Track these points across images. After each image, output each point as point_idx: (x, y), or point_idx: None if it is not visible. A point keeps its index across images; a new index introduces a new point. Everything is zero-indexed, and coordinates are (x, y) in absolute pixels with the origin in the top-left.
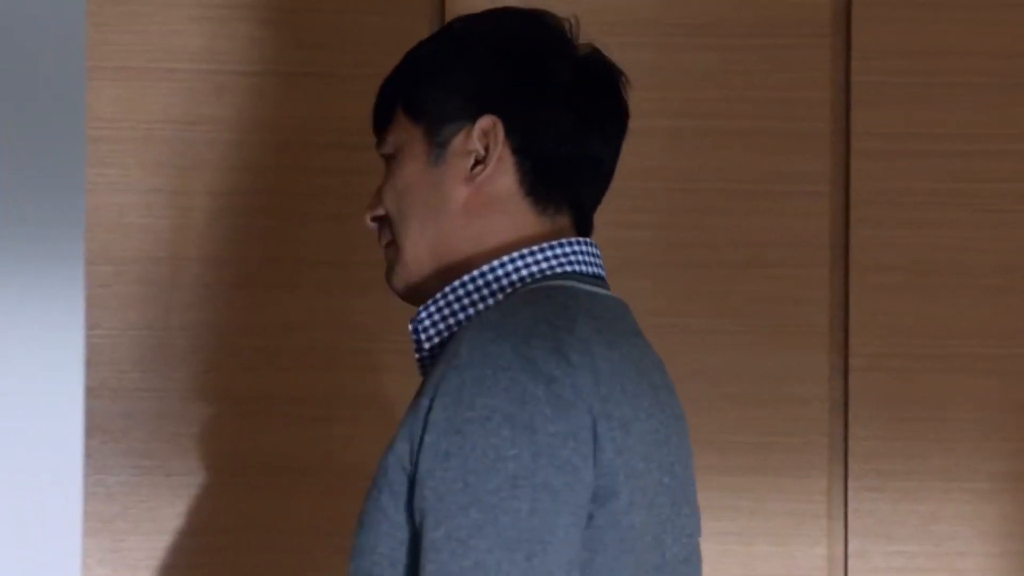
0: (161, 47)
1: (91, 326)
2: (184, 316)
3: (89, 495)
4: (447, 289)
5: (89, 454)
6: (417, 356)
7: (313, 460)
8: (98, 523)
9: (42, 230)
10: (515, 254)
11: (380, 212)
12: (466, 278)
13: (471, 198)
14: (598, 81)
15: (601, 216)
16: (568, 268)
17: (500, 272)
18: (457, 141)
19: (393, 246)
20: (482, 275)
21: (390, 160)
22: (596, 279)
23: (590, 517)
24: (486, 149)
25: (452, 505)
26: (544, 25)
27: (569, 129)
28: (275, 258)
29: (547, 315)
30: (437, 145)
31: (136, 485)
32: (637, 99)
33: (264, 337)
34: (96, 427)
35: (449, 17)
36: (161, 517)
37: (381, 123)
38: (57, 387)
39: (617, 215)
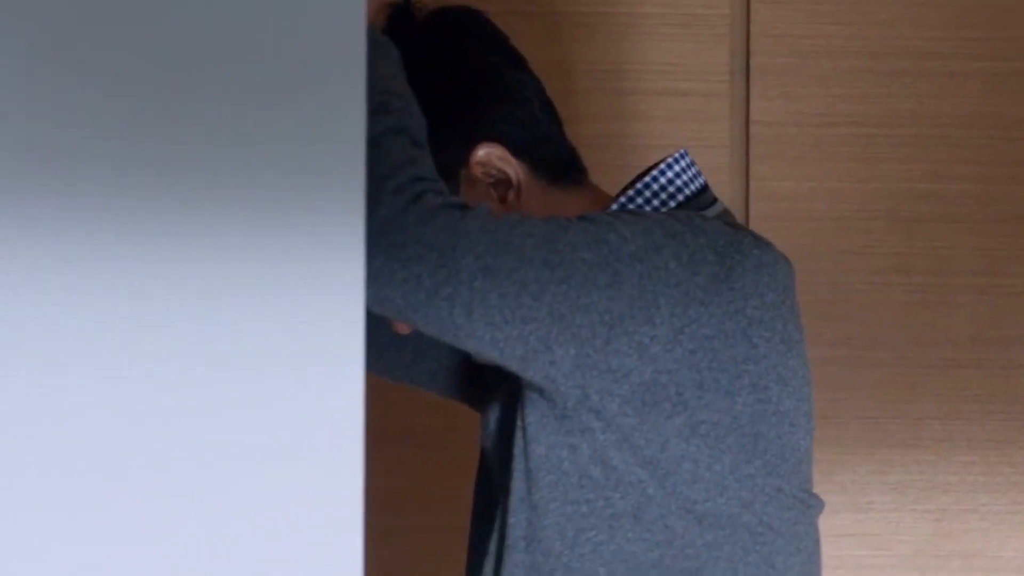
0: None
1: None
2: None
3: (370, 543)
4: None
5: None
6: None
7: None
8: None
9: (322, 237)
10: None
11: None
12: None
13: None
14: (487, 33)
15: (915, 166)
16: (680, 197)
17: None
18: (464, 190)
19: None
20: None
21: None
22: (706, 191)
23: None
24: (499, 172)
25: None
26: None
27: (529, 95)
28: None
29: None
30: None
31: (430, 531)
32: (955, 39)
33: None
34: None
35: None
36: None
37: None
38: (336, 420)
39: (933, 165)
